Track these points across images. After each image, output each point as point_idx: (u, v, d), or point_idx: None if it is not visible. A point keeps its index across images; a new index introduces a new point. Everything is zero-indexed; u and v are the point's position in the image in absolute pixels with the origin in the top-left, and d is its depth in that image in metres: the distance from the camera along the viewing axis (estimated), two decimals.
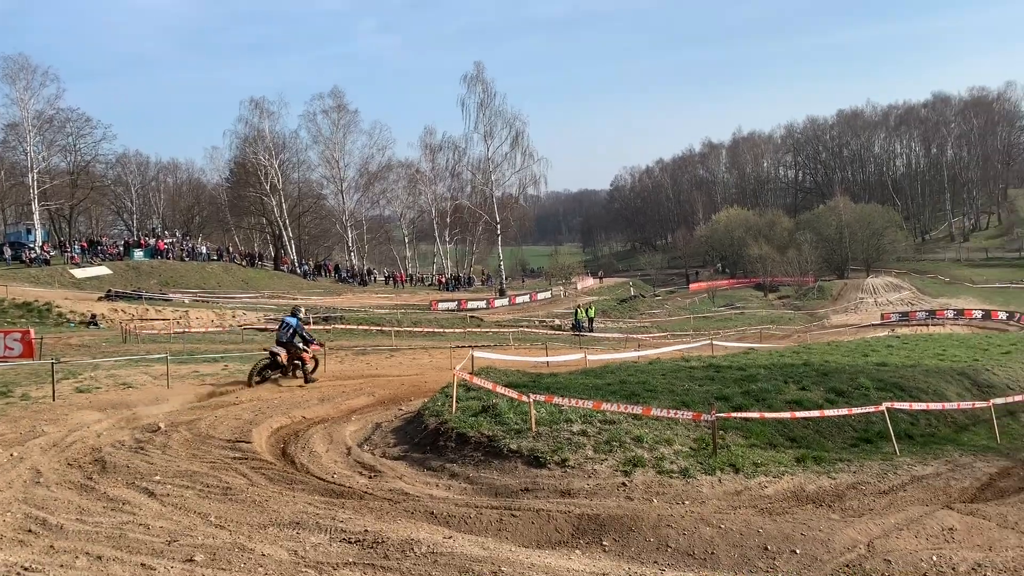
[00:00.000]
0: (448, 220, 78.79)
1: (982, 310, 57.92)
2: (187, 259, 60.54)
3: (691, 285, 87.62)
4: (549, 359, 19.70)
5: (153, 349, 26.14)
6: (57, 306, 35.58)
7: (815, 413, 11.72)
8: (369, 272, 75.72)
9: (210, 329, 33.02)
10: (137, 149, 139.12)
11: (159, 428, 12.13)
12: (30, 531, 7.26)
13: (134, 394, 15.69)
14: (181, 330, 31.63)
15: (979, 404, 14.25)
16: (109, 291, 44.41)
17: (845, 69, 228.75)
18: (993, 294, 69.41)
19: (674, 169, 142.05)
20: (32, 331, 23.25)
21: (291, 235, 70.49)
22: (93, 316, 35.28)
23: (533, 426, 10.62)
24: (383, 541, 7.10)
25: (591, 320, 45.68)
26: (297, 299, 54.60)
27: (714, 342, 23.87)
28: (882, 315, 60.96)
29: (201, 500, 8.42)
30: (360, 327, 35.34)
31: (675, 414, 10.56)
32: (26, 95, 55.41)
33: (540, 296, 63.02)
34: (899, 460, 11.23)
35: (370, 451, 11.75)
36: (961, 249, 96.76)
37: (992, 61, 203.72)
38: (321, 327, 34.28)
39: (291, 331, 17.63)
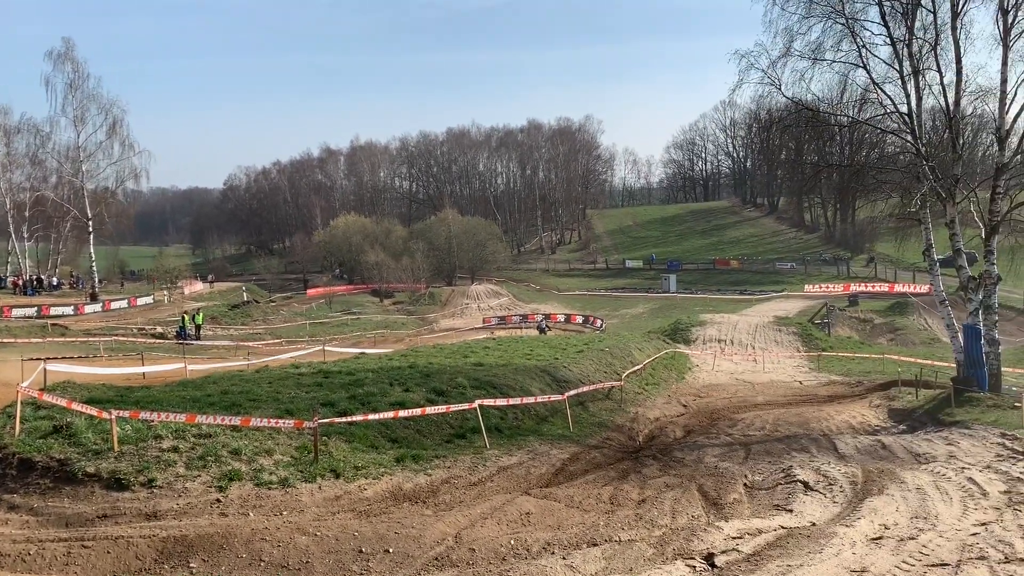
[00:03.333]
0: (27, 214, 68.41)
1: (565, 314, 65.96)
2: None
3: (308, 291, 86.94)
4: (145, 370, 18.02)
5: None
6: None
7: (416, 411, 12.23)
8: None
9: None
10: None
11: None
12: None
13: None
14: None
15: (555, 397, 16.03)
16: None
17: (454, 88, 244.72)
18: (573, 300, 79.51)
19: (292, 172, 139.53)
20: None
21: None
22: None
23: (116, 445, 9.59)
24: None
25: (198, 327, 42.93)
26: None
27: (326, 347, 23.83)
28: (484, 319, 66.23)
29: None
30: None
31: (276, 423, 10.28)
32: None
33: (140, 301, 57.45)
34: (488, 453, 12.20)
35: None
36: (550, 260, 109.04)
37: (579, 91, 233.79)
38: None
39: None
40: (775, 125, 23.98)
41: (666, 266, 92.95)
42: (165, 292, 63.59)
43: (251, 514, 8.73)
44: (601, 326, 56.35)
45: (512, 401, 14.46)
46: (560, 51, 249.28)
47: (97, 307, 53.40)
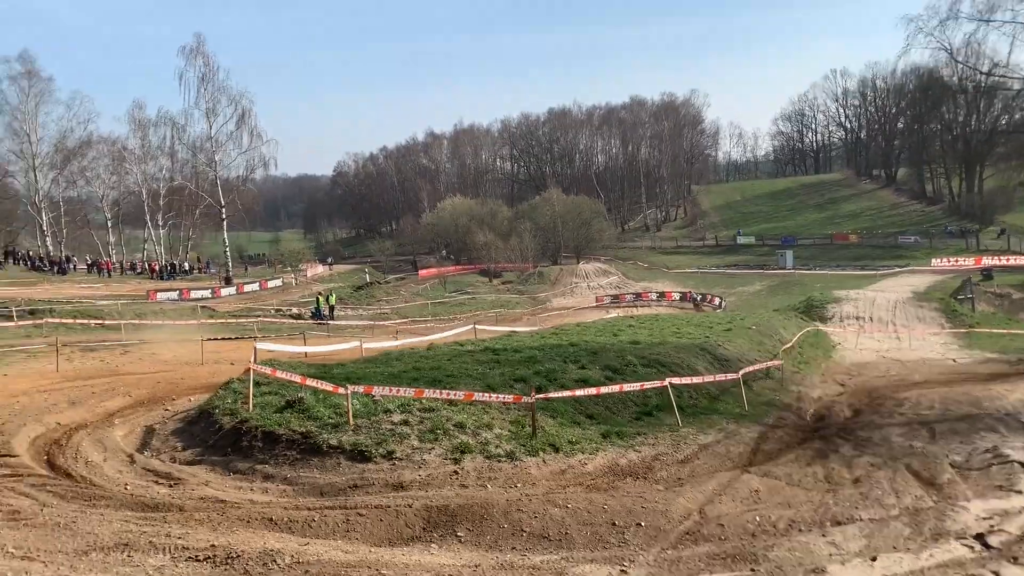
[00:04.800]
0: (161, 203, 72.42)
1: (680, 292, 65.23)
2: None
3: (420, 272, 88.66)
4: (322, 348, 18.87)
5: None
6: None
7: (615, 388, 12.43)
8: (68, 259, 67.41)
9: None
10: None
11: None
12: None
13: None
14: None
15: (730, 376, 15.94)
16: None
17: (554, 69, 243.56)
18: (685, 278, 78.41)
19: (398, 157, 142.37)
20: None
21: None
22: None
23: (351, 419, 10.14)
24: (238, 555, 6.41)
25: (332, 308, 44.45)
26: None
27: (477, 326, 24.42)
28: (596, 298, 66.18)
29: None
30: (77, 321, 31.30)
31: (496, 398, 10.65)
32: None
33: (270, 284, 60.12)
34: (683, 431, 12.29)
35: (156, 457, 10.55)
36: (655, 238, 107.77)
37: (679, 69, 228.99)
38: (28, 322, 29.92)
39: None
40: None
41: (780, 242, 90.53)
42: (292, 275, 66.22)
43: (488, 486, 9.11)
44: (722, 304, 55.48)
45: (695, 380, 14.49)
46: (657, 27, 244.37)
47: (232, 290, 56.08)
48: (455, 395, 10.49)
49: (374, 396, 10.71)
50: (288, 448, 9.90)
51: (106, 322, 31.47)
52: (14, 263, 63.61)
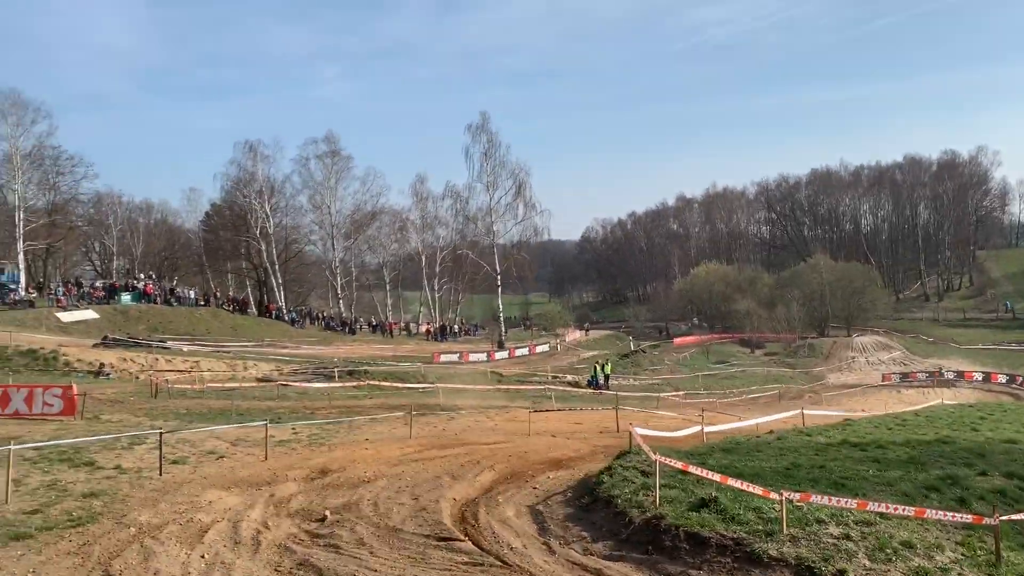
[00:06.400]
0: (437, 269, 77.51)
1: (982, 372, 58.38)
2: (174, 304, 58.07)
3: (675, 340, 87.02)
4: (666, 433, 18.37)
5: (193, 406, 24.38)
6: (64, 354, 33.36)
7: None
8: (355, 320, 73.83)
9: (243, 384, 31.04)
10: (119, 188, 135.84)
11: (325, 516, 10.66)
12: None
13: (238, 468, 14.14)
14: (208, 384, 29.72)
15: None
16: (106, 337, 42.03)
17: (814, 127, 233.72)
18: (982, 355, 70.17)
19: (647, 222, 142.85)
20: (75, 386, 21.32)
21: (279, 281, 68.40)
22: (102, 365, 33.08)
23: (784, 528, 9.41)
24: None
25: (607, 377, 44.56)
26: (289, 347, 52.71)
27: (804, 410, 22.90)
28: (883, 376, 61.02)
29: None
30: (386, 383, 33.69)
31: (952, 517, 9.43)
32: (17, 131, 53.20)
33: (538, 349, 61.77)
34: None
35: (567, 547, 10.42)
36: (937, 309, 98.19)
37: (961, 124, 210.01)
38: (351, 383, 32.62)
39: None
40: None
41: None
42: (555, 340, 67.66)
43: None
44: None
45: None
46: (933, 78, 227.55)
47: (504, 354, 58.11)
48: (905, 511, 9.41)
49: (808, 504, 9.89)
50: (720, 554, 9.33)
51: (415, 385, 33.53)
52: (310, 323, 70.63)
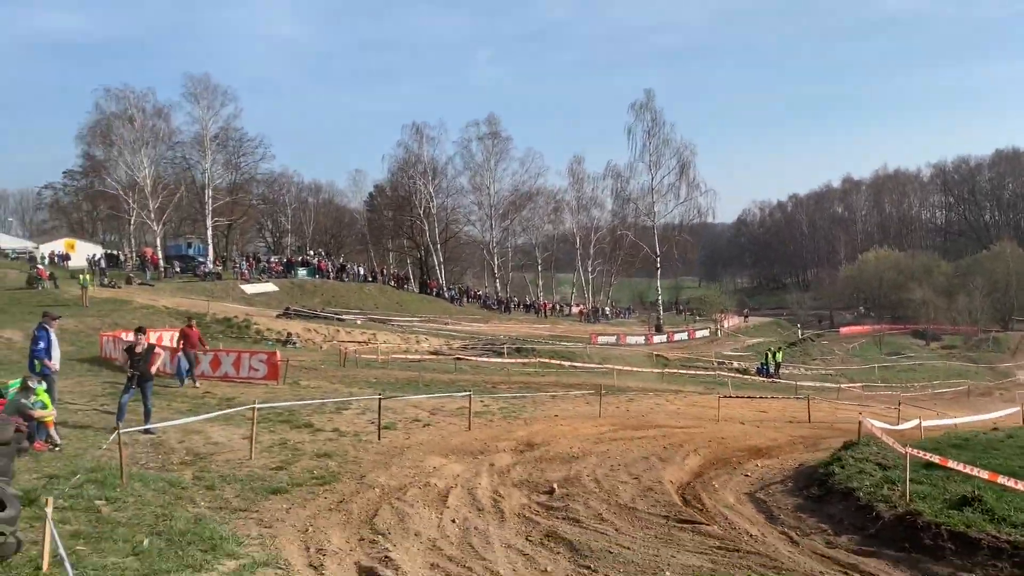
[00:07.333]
0: (592, 251, 77.15)
1: None
2: (344, 279, 60.78)
3: (841, 329, 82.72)
4: (899, 426, 17.18)
5: (381, 375, 25.29)
6: (255, 323, 35.54)
7: None
8: (511, 299, 74.82)
9: (422, 357, 32.11)
10: (295, 169, 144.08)
11: (553, 489, 10.61)
12: None
13: (448, 437, 14.41)
14: (392, 356, 30.87)
15: None
16: (287, 308, 44.55)
17: (990, 106, 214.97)
18: None
19: (809, 205, 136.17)
20: (278, 353, 22.56)
21: (440, 260, 70.22)
22: (289, 335, 35.00)
23: None
24: None
25: (778, 365, 42.85)
26: (451, 323, 53.99)
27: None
28: None
29: None
30: (553, 361, 33.79)
31: None
32: (207, 114, 57.05)
33: (698, 334, 60.30)
34: None
35: (803, 536, 9.86)
36: None
37: None
38: (520, 360, 32.95)
39: None
40: None
41: None
42: (715, 325, 65.88)
43: None
44: None
45: None
46: None
47: (663, 338, 57.11)
48: None
49: None
50: (995, 558, 8.53)
51: (584, 365, 33.47)
52: (467, 300, 72.15)
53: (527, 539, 8.38)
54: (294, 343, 34.03)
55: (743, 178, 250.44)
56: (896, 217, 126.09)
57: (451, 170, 73.43)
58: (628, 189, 65.81)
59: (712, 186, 74.06)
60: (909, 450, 10.19)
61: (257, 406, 12.05)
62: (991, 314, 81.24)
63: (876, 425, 12.70)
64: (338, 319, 44.28)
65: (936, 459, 10.17)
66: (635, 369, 33.86)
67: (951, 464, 9.95)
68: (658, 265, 61.35)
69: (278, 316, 41.80)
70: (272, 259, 62.01)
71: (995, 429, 16.99)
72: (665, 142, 59.77)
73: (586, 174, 76.39)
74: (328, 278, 59.37)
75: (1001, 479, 9.38)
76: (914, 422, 16.25)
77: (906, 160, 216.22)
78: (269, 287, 53.26)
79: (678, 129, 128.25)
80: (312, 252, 71.16)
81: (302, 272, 57.76)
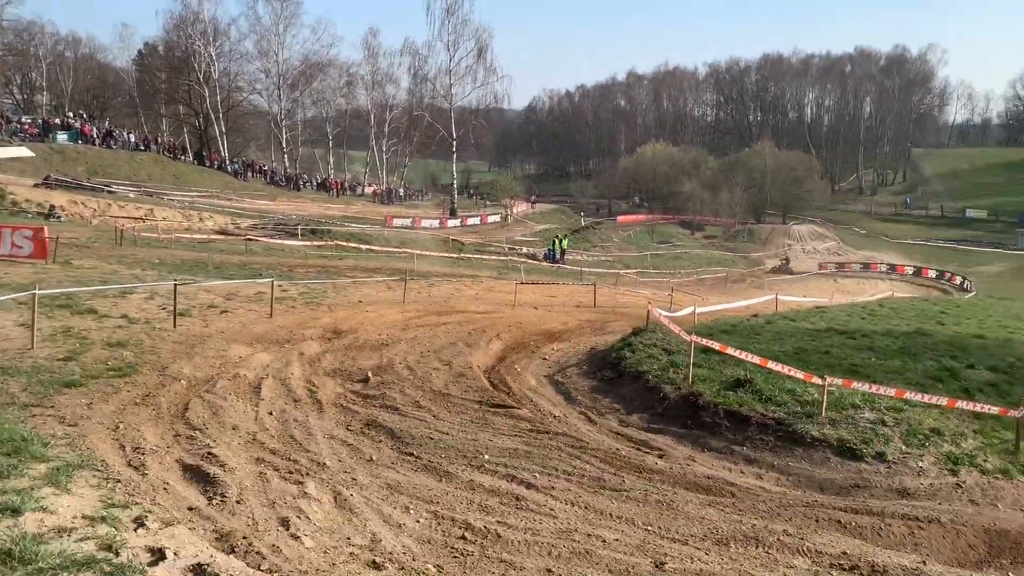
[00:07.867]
0: (387, 129, 75.31)
1: (913, 266, 61.01)
2: (112, 147, 55.20)
3: (618, 218, 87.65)
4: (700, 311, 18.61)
5: (164, 256, 23.67)
6: (11, 192, 31.63)
7: None
8: (300, 176, 71.88)
9: (209, 236, 30.20)
10: (50, 19, 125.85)
11: (368, 378, 10.70)
12: (463, 537, 6.00)
13: (249, 325, 13.94)
14: (176, 235, 28.77)
15: None
16: (48, 177, 39.98)
17: (770, 7, 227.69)
18: (908, 250, 73.28)
19: (595, 97, 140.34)
20: (45, 228, 20.39)
21: (222, 129, 65.44)
22: (52, 207, 31.55)
23: (824, 410, 9.86)
24: (883, 570, 6.26)
25: (563, 252, 44.96)
26: (235, 200, 51.30)
27: (779, 296, 23.68)
28: (819, 264, 63.20)
29: (582, 492, 7.28)
30: (350, 244, 33.27)
31: (983, 408, 10.01)
32: None
33: (490, 219, 61.55)
34: None
35: (600, 416, 10.76)
36: (871, 203, 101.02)
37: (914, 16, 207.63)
38: (314, 242, 32.06)
39: None
40: None
41: (1015, 219, 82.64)
42: (506, 210, 67.40)
43: (999, 505, 8.59)
44: (964, 285, 51.47)
45: None
46: None
47: (456, 222, 57.73)
48: (938, 400, 9.95)
49: (840, 389, 10.31)
50: (761, 432, 9.77)
51: (382, 249, 33.23)
52: (253, 175, 68.52)
53: (348, 429, 8.47)
54: (58, 217, 30.83)
55: (536, 65, 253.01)
56: (673, 113, 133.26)
57: (235, 32, 67.61)
58: (426, 68, 64.23)
59: (508, 72, 73.83)
60: (694, 338, 11.27)
61: (39, 292, 10.97)
62: (748, 207, 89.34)
63: (663, 314, 13.83)
64: (108, 191, 40.51)
65: (716, 346, 11.31)
66: (433, 254, 34.18)
67: (729, 351, 11.11)
68: (454, 148, 61.22)
69: (35, 185, 37.45)
70: (25, 119, 54.72)
71: (755, 316, 19.06)
72: (464, 22, 58.61)
73: (382, 49, 73.45)
74: (93, 144, 53.60)
75: (770, 364, 10.63)
76: (689, 309, 17.86)
77: (687, 58, 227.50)
78: (23, 151, 47.19)
79: (477, 9, 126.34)
80: (72, 114, 63.60)
81: (62, 136, 51.65)
